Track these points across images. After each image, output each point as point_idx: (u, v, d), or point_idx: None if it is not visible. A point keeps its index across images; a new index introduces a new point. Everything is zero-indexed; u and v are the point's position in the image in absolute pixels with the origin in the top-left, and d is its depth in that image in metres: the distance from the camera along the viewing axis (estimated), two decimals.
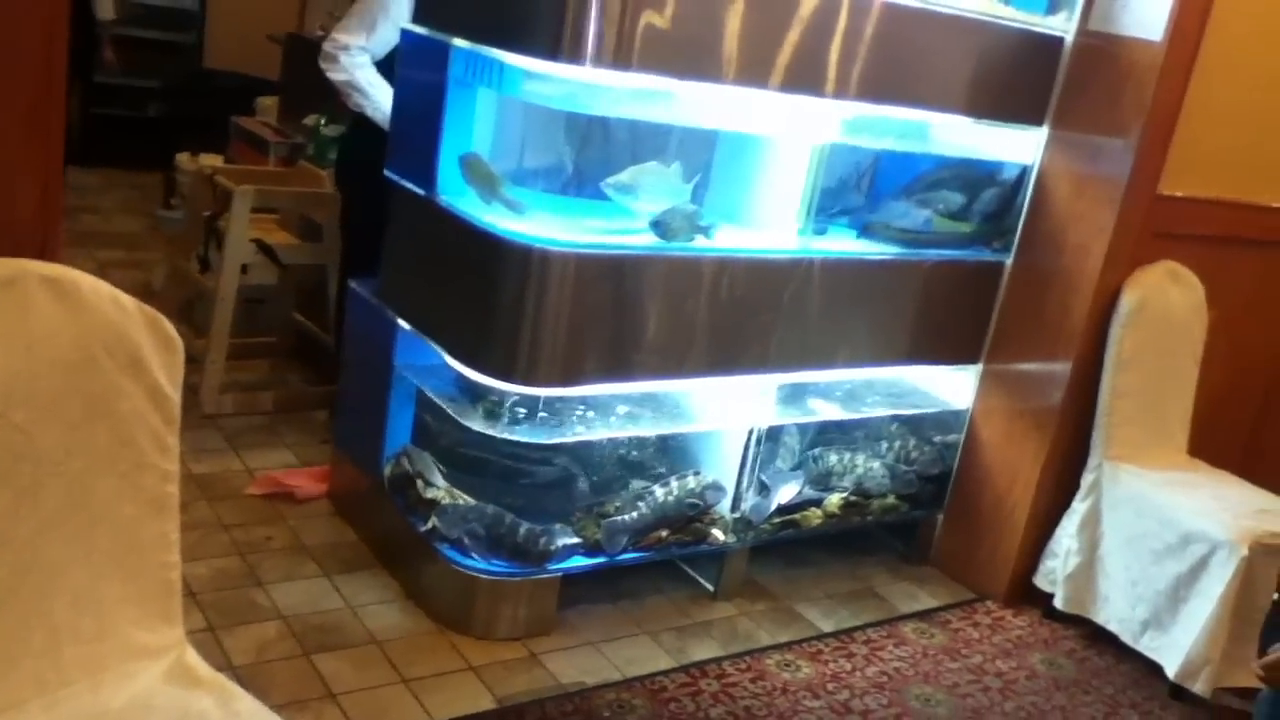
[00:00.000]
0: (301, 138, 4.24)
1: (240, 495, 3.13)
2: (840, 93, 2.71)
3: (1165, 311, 3.21)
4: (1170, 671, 2.94)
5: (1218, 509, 2.97)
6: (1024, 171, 3.22)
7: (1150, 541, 2.99)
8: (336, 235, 3.67)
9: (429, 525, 2.73)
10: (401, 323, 2.84)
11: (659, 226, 2.62)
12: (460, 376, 2.71)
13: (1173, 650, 2.94)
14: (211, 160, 4.53)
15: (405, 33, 2.82)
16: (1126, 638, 3.05)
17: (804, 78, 2.63)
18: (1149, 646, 3.01)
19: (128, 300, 1.56)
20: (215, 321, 3.50)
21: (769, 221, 2.95)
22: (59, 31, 1.65)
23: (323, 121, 4.09)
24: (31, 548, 1.51)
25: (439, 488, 2.81)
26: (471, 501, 2.78)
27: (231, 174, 3.72)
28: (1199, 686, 2.90)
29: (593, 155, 2.81)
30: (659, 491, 2.88)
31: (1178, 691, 2.97)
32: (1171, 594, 2.95)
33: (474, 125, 2.72)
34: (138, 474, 1.59)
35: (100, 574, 1.57)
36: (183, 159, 5.02)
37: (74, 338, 1.51)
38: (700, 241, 2.70)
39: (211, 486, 3.13)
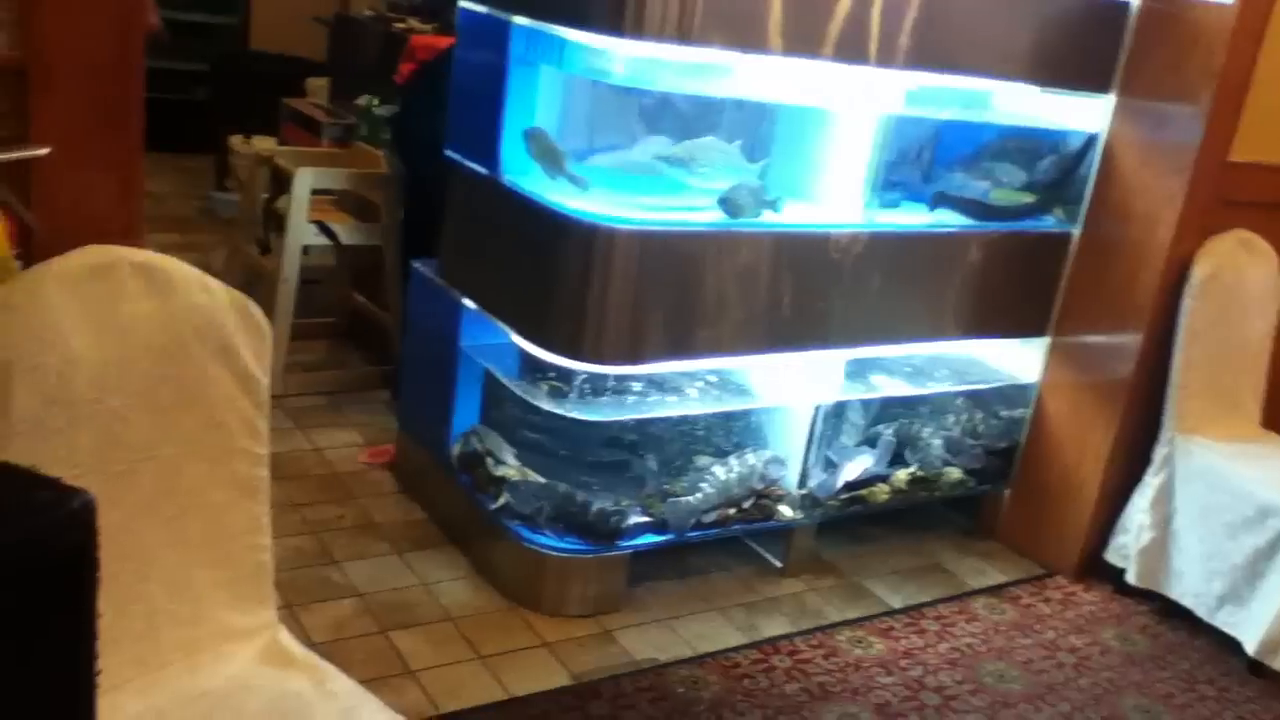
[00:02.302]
0: (354, 118, 4.24)
1: (309, 474, 3.16)
2: (899, 63, 2.66)
3: (1237, 281, 3.14)
4: (1249, 647, 2.89)
5: None
6: (1090, 140, 3.16)
7: (1225, 515, 2.94)
8: (394, 215, 3.67)
9: (500, 503, 2.74)
10: (466, 302, 2.84)
11: (726, 203, 2.60)
12: (526, 355, 2.71)
13: (1251, 625, 2.90)
14: (264, 142, 4.54)
15: (463, 11, 2.81)
16: (1202, 612, 3.00)
17: (861, 48, 2.59)
18: (1226, 621, 2.97)
19: (216, 285, 1.57)
20: (278, 303, 3.51)
21: (833, 196, 2.92)
22: (136, 20, 1.65)
23: (375, 102, 4.08)
24: (127, 532, 1.51)
25: (509, 465, 2.81)
26: (541, 480, 2.78)
27: (289, 156, 3.72)
28: (1279, 662, 2.86)
29: (657, 131, 2.78)
30: (719, 471, 2.87)
31: (1256, 667, 2.92)
32: (1249, 568, 2.90)
33: (536, 103, 2.70)
34: (228, 459, 1.60)
35: (193, 558, 1.58)
36: (235, 141, 5.03)
37: (165, 323, 1.52)
38: (768, 216, 2.67)
39: (281, 466, 3.13)
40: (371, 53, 4.47)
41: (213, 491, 1.61)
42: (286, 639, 1.67)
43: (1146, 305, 3.07)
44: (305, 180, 3.46)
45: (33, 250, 1.66)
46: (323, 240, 3.60)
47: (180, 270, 1.56)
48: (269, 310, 3.53)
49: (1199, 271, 3.04)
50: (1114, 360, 3.15)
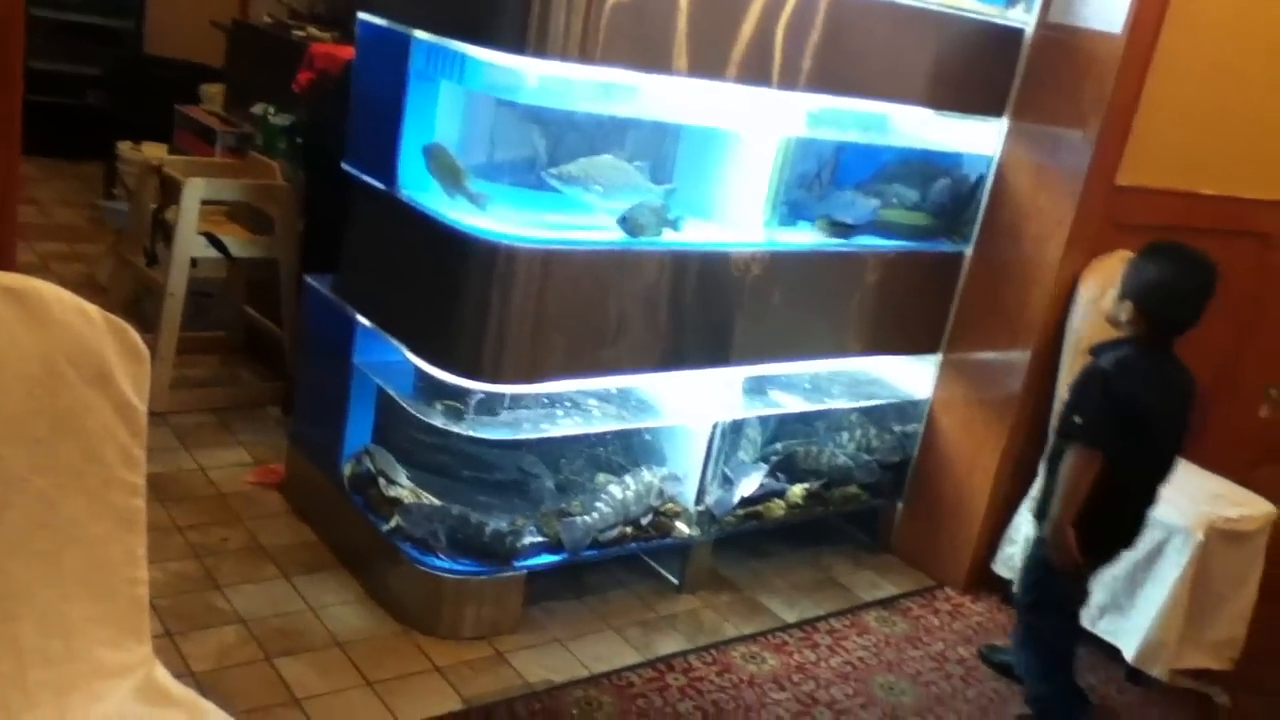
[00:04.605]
0: (250, 127, 4.15)
1: (194, 496, 3.07)
2: (800, 85, 2.70)
3: None
4: (1128, 655, 3.00)
5: (1173, 495, 3.00)
6: (985, 164, 3.24)
7: None
8: (289, 228, 3.60)
9: (392, 525, 2.70)
10: (361, 319, 2.79)
11: (627, 222, 2.60)
12: (422, 374, 2.67)
13: (1130, 634, 3.00)
14: (155, 150, 4.42)
15: (363, 24, 2.77)
16: (1084, 622, 3.06)
17: (764, 70, 2.62)
18: (1106, 630, 3.06)
19: (93, 310, 1.51)
20: (164, 317, 3.42)
21: (734, 215, 2.94)
22: (13, 35, 1.59)
23: (271, 110, 4.01)
24: None
25: (402, 486, 2.77)
26: (436, 501, 2.74)
27: (179, 165, 3.63)
28: (1156, 669, 2.97)
29: (561, 149, 2.77)
30: (616, 490, 2.87)
31: (1135, 674, 3.03)
32: (1129, 579, 3.00)
33: (436, 118, 2.67)
34: (105, 490, 1.54)
35: (68, 594, 1.52)
36: (124, 148, 4.89)
37: (38, 351, 1.46)
38: (669, 235, 2.68)
39: (164, 487, 3.05)
40: (270, 60, 4.38)
41: (90, 524, 1.55)
42: (163, 675, 1.61)
43: (1035, 324, 3.16)
44: (195, 190, 3.38)
45: None
46: (213, 253, 3.51)
47: (55, 295, 1.50)
48: (155, 323, 3.44)
49: (1085, 291, 3.14)
50: (1003, 377, 3.24)
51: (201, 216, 3.46)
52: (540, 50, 2.32)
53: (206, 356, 3.94)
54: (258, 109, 4.09)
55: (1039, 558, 2.65)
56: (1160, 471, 2.61)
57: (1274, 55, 3.46)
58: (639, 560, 3.11)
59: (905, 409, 3.51)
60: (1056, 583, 2.64)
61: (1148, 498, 2.63)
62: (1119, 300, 2.57)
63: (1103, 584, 3.02)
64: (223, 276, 3.87)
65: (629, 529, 2.88)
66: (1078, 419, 2.49)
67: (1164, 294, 2.51)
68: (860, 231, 3.14)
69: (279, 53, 4.28)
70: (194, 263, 3.48)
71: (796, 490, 3.29)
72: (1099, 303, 3.07)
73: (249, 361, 3.98)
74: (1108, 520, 2.55)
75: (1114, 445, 2.47)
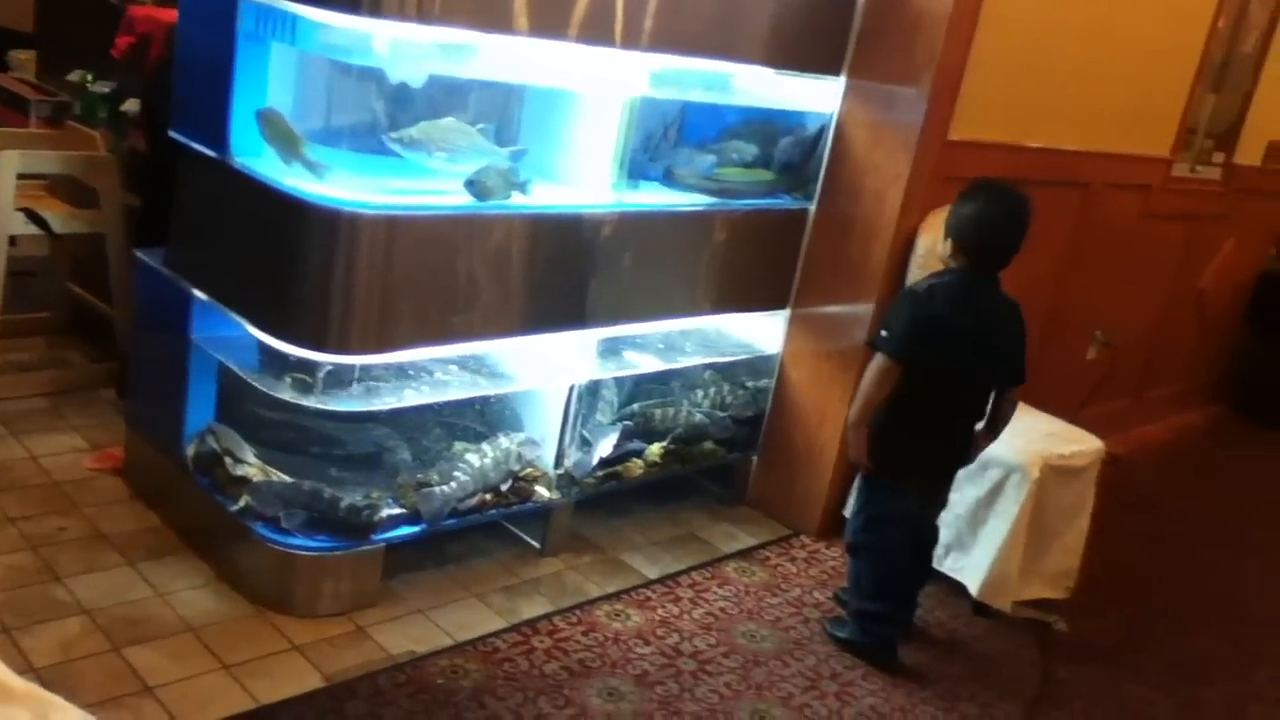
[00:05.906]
0: (67, 95, 3.92)
1: (26, 485, 2.91)
2: (643, 44, 2.70)
3: None
4: (972, 590, 3.14)
5: (1010, 435, 3.14)
6: (825, 121, 3.30)
7: None
8: (114, 201, 3.42)
9: (241, 504, 2.62)
10: (197, 293, 2.68)
11: (474, 186, 2.56)
12: (266, 348, 2.59)
13: (974, 570, 3.14)
14: None
15: None
16: (934, 564, 3.22)
17: (606, 30, 2.61)
18: (952, 568, 3.20)
19: None
20: None
21: (582, 177, 2.93)
22: None
23: (90, 78, 3.80)
24: None
25: (250, 465, 2.69)
26: (286, 478, 2.67)
27: None
28: (999, 602, 3.12)
29: (402, 112, 2.70)
30: (474, 458, 2.85)
31: (980, 608, 3.17)
32: (971, 518, 3.14)
33: (269, 82, 2.57)
34: None
35: None
36: None
37: None
38: (517, 198, 2.65)
39: None
40: (86, 24, 4.13)
41: None
42: (2, 671, 1.53)
43: (876, 276, 3.25)
44: (10, 163, 3.18)
45: None
46: (33, 229, 3.32)
47: None
48: None
49: (922, 244, 3.24)
50: (849, 329, 3.32)
51: (19, 191, 3.26)
52: (375, 10, 2.26)
53: (31, 339, 3.73)
54: (75, 76, 3.87)
55: (865, 478, 2.83)
56: (963, 384, 2.75)
57: (1094, 9, 3.63)
58: (500, 527, 3.09)
59: (757, 364, 3.57)
60: (882, 501, 2.80)
61: (951, 407, 2.76)
62: (944, 240, 2.71)
63: (948, 524, 3.15)
64: (45, 254, 3.66)
65: (489, 496, 2.87)
66: (884, 332, 2.68)
67: (977, 225, 2.68)
68: (719, 190, 3.18)
69: (95, 16, 4.03)
70: (13, 240, 3.28)
71: (654, 449, 3.32)
72: (935, 250, 3.18)
73: (78, 343, 3.78)
74: (913, 427, 2.73)
75: (912, 358, 2.65)
